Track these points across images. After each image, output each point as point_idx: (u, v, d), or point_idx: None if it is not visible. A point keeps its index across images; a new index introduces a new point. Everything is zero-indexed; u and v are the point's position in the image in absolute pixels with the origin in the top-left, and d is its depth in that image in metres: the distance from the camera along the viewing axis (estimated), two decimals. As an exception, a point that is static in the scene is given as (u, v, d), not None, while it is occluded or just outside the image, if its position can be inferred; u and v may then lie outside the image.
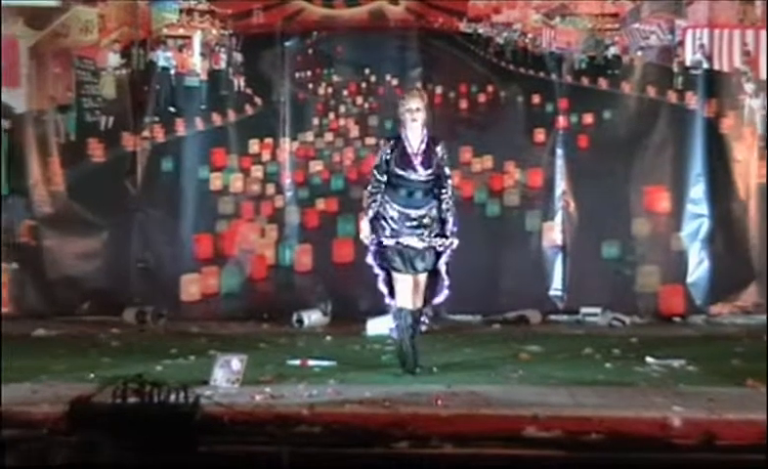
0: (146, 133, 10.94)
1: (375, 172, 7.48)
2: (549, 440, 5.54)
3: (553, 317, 10.48)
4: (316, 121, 10.95)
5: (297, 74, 10.92)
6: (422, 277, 7.50)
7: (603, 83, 10.81)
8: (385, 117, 10.86)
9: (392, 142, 7.46)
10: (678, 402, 6.41)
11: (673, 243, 10.63)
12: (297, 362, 7.93)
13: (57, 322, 10.15)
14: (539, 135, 10.74)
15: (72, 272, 10.81)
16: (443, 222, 7.45)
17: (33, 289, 10.81)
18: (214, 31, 11.00)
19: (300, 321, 10.10)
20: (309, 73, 10.94)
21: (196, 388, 5.82)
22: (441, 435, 5.40)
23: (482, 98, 10.86)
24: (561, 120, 10.72)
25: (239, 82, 10.96)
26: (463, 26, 10.85)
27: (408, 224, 7.41)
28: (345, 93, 10.95)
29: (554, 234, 10.67)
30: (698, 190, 10.56)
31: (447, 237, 7.45)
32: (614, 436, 5.57)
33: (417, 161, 7.37)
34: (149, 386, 5.35)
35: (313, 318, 10.19)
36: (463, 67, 10.85)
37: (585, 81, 10.81)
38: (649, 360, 8.01)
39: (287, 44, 10.91)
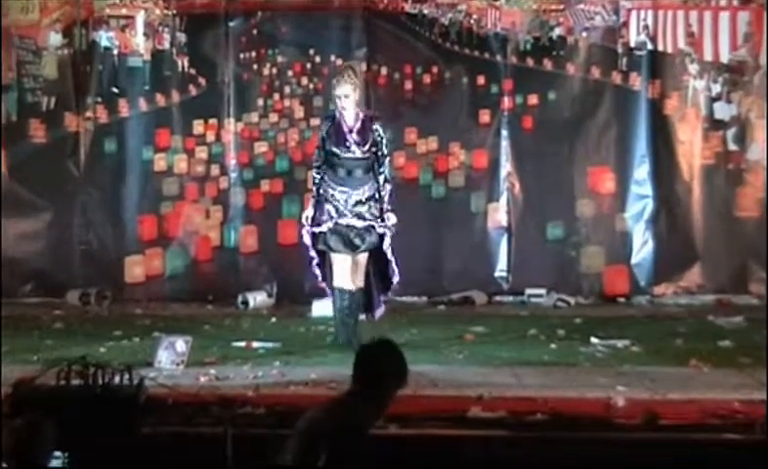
0: (88, 114, 10.79)
1: (316, 150, 7.58)
2: (494, 420, 5.59)
3: (498, 298, 10.49)
4: (260, 102, 10.87)
5: (241, 55, 10.82)
6: (362, 258, 7.50)
7: (548, 64, 10.82)
8: (330, 98, 10.81)
9: (328, 120, 7.51)
10: (622, 382, 6.48)
11: (618, 224, 10.70)
12: (242, 343, 7.91)
13: (-2, 305, 10.04)
14: (484, 116, 10.75)
15: (15, 253, 10.64)
16: (381, 201, 7.51)
17: (-26, 272, 10.67)
18: (157, 11, 10.86)
19: (245, 303, 10.06)
20: (253, 54, 10.85)
21: (141, 370, 5.80)
22: (385, 416, 5.41)
23: (426, 79, 10.83)
24: (506, 101, 10.74)
25: (183, 63, 10.83)
26: (408, 7, 10.81)
27: (348, 204, 7.43)
28: (290, 73, 10.86)
29: (499, 215, 10.68)
30: (642, 171, 10.62)
31: (383, 218, 7.49)
32: (558, 416, 5.63)
33: (352, 140, 7.40)
34: (92, 368, 5.33)
35: (258, 299, 10.15)
36: (408, 48, 10.81)
37: (530, 62, 10.83)
38: (593, 340, 8.08)
39: (231, 24, 10.80)
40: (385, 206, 7.52)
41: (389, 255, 7.65)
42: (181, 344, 6.99)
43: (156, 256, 10.72)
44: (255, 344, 7.91)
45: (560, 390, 6.33)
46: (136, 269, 10.66)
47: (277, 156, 10.85)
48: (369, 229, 7.47)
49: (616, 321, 9.10)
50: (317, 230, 7.51)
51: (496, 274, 10.66)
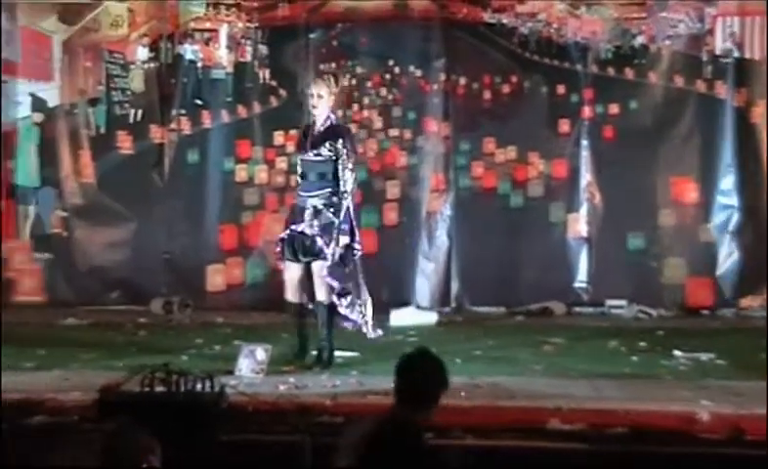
0: (173, 125, 11.01)
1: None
2: (572, 432, 5.52)
3: (577, 309, 10.42)
4: (339, 113, 10.94)
5: (321, 66, 10.92)
6: (314, 268, 7.26)
7: (629, 73, 10.74)
8: (408, 108, 10.88)
9: (306, 126, 7.41)
10: (706, 396, 6.33)
11: (701, 235, 10.54)
12: (321, 352, 7.95)
13: (86, 312, 10.25)
14: (564, 125, 10.69)
15: (101, 262, 10.92)
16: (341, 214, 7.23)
17: (64, 279, 10.92)
18: (240, 24, 11.05)
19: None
20: (333, 65, 10.94)
21: (221, 377, 5.87)
22: (463, 426, 5.41)
23: (505, 88, 10.82)
24: (586, 111, 10.67)
25: (264, 74, 10.99)
26: (487, 17, 10.80)
27: (304, 209, 7.26)
28: (368, 84, 10.95)
29: (579, 225, 10.61)
30: (727, 181, 10.43)
31: (336, 234, 7.20)
32: (639, 429, 5.54)
33: (310, 142, 7.26)
34: (175, 375, 5.41)
35: (337, 308, 10.18)
36: (487, 58, 10.81)
37: (611, 71, 10.75)
38: (676, 353, 7.94)
39: (312, 36, 10.92)
40: (339, 222, 7.18)
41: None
42: (261, 352, 7.06)
43: (237, 265, 10.87)
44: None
45: (641, 403, 6.22)
46: (217, 278, 10.81)
47: (356, 167, 10.88)
48: (317, 238, 7.20)
49: (699, 334, 8.92)
50: (280, 236, 7.35)
51: (576, 284, 10.58)
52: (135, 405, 5.19)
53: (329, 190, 7.25)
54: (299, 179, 7.47)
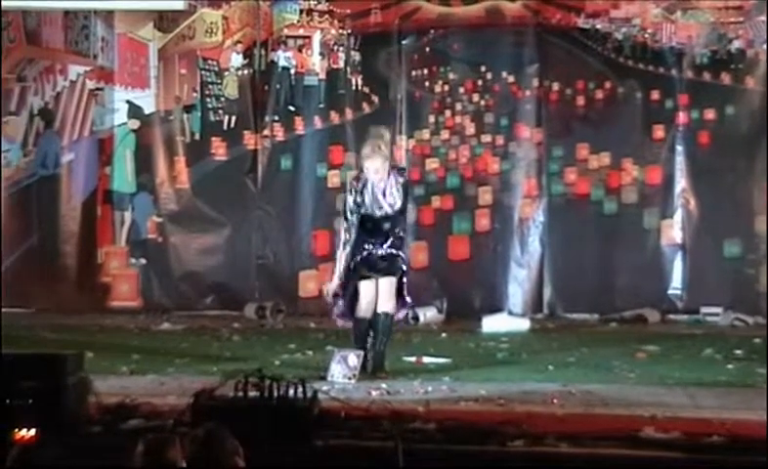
0: (266, 132, 11.13)
1: (348, 214, 7.45)
2: (667, 441, 5.46)
3: (672, 316, 10.32)
4: (432, 119, 10.98)
5: (414, 72, 10.96)
6: (384, 282, 7.38)
7: (725, 78, 10.57)
8: (501, 114, 10.85)
9: (360, 183, 7.38)
10: (804, 405, 6.22)
11: (799, 241, 10.34)
12: (412, 358, 7.99)
13: (180, 317, 10.42)
14: (658, 131, 10.58)
15: (196, 267, 11.08)
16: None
17: (159, 284, 11.12)
18: (333, 31, 11.13)
19: (415, 318, 10.11)
20: (425, 71, 10.97)
21: (314, 383, 5.93)
22: (556, 434, 5.38)
23: (599, 94, 10.74)
24: (681, 116, 10.54)
25: (357, 81, 11.05)
26: (581, 22, 10.73)
27: (373, 238, 7.38)
28: (461, 90, 10.95)
29: (673, 231, 10.50)
30: (826, 186, 10.25)
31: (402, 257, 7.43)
32: (735, 439, 5.45)
33: (380, 197, 7.35)
34: (268, 380, 5.47)
35: (428, 314, 10.22)
36: (580, 64, 10.74)
37: (707, 76, 10.59)
38: (773, 361, 7.81)
39: (404, 42, 10.96)
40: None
41: (403, 289, 7.51)
42: (353, 358, 7.11)
43: (330, 271, 10.92)
44: (425, 359, 7.97)
45: (737, 412, 6.13)
46: (310, 283, 10.89)
47: (448, 173, 10.92)
48: (391, 256, 7.36)
49: (798, 343, 8.73)
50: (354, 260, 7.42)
51: (670, 291, 10.45)
52: (228, 410, 5.26)
53: (400, 218, 7.43)
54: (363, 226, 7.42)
